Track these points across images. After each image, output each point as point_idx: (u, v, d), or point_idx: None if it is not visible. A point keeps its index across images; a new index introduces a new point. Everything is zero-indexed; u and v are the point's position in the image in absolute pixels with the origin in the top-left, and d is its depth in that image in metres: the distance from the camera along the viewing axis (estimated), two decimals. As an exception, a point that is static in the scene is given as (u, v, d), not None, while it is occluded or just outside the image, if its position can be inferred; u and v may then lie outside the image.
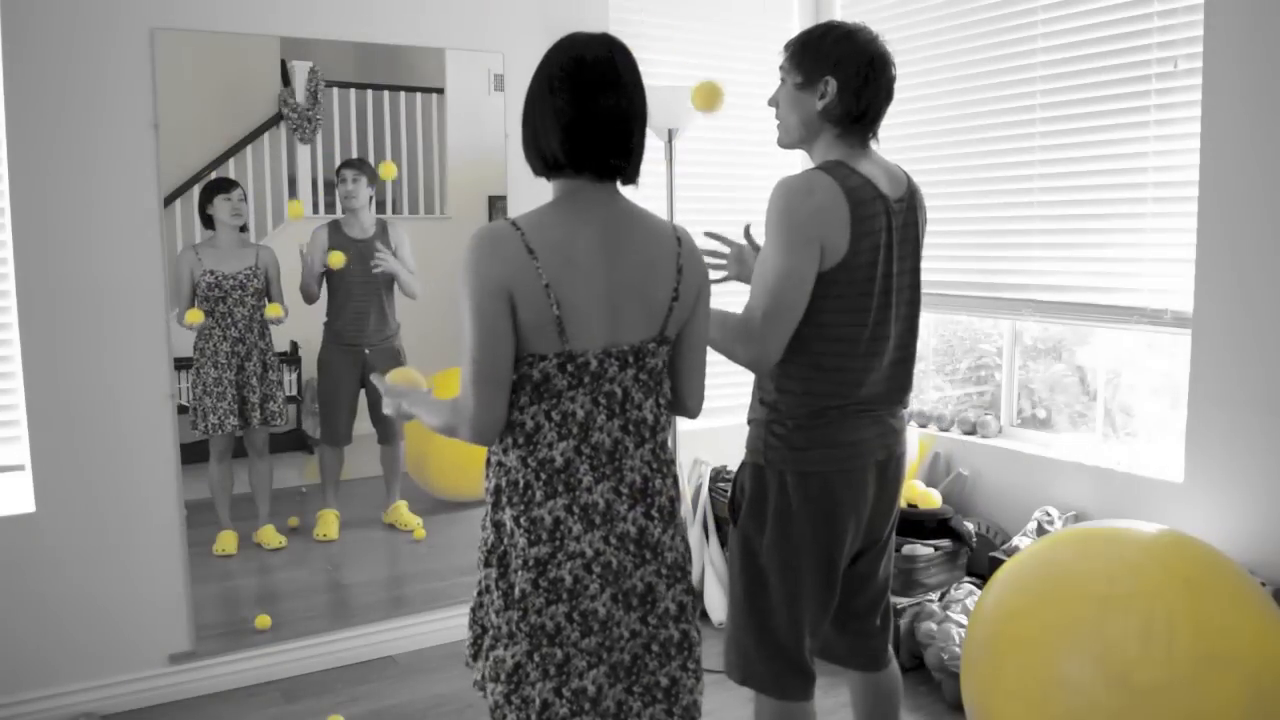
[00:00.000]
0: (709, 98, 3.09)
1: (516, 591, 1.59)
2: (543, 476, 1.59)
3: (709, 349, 1.82)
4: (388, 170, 3.27)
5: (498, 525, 1.63)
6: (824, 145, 1.92)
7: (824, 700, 2.92)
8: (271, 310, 3.15)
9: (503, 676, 1.61)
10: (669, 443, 1.71)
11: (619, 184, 1.65)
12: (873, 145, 1.95)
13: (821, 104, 1.88)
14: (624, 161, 1.61)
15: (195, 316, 3.01)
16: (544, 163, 1.61)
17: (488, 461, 1.67)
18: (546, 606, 1.59)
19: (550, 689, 1.59)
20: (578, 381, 1.58)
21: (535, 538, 1.58)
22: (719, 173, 3.86)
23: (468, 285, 1.54)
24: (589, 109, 1.56)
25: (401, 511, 3.48)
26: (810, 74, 1.89)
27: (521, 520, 1.59)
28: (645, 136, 1.64)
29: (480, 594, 1.68)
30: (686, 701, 1.70)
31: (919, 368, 4.01)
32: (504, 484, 1.62)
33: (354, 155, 3.25)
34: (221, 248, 3.08)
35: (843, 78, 1.86)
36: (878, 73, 1.88)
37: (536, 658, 1.59)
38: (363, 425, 3.40)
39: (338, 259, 3.20)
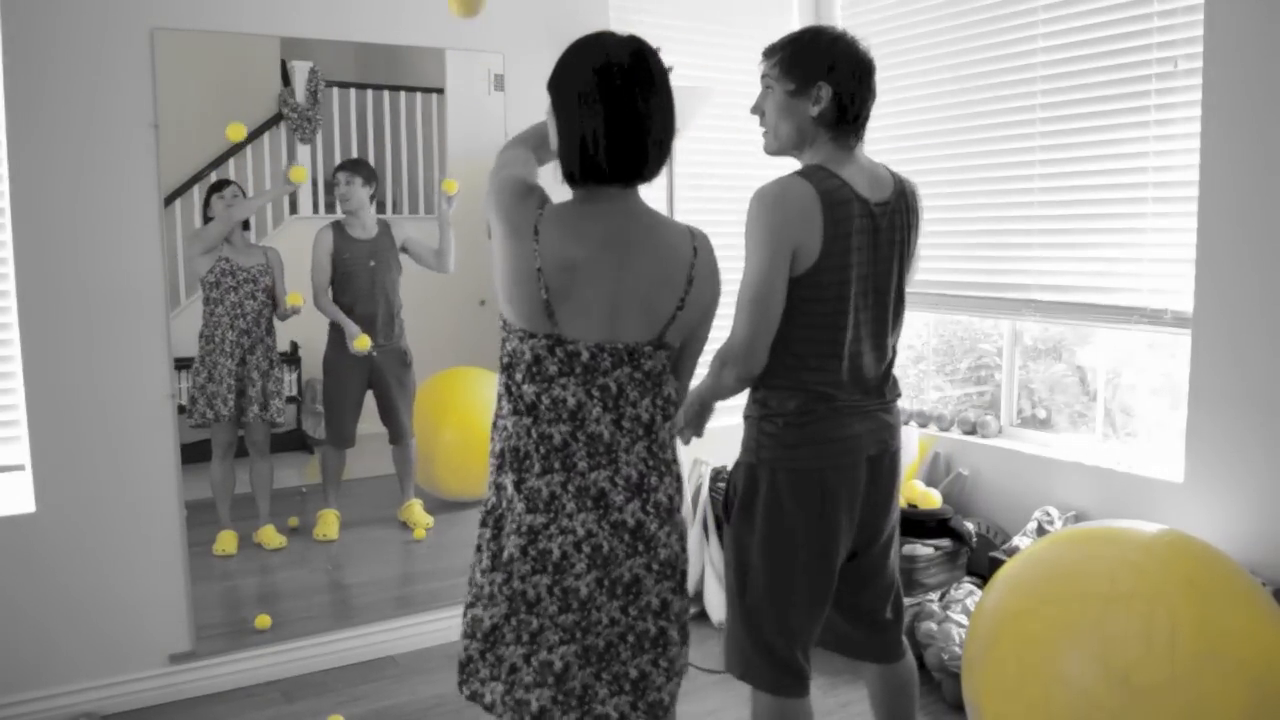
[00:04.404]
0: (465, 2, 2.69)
1: (505, 555, 1.63)
2: (542, 450, 1.62)
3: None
4: (297, 174, 3.19)
5: (499, 488, 1.66)
6: (813, 150, 1.93)
7: (825, 700, 2.92)
8: (293, 298, 3.17)
9: (479, 635, 1.65)
10: (668, 443, 1.71)
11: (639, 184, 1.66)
12: (859, 148, 1.95)
13: (816, 109, 1.89)
14: (655, 169, 1.63)
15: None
16: (572, 171, 1.60)
17: (494, 424, 1.70)
18: (531, 575, 1.61)
19: (520, 655, 1.63)
20: (568, 369, 1.60)
21: (532, 506, 1.61)
22: (719, 173, 3.86)
23: (504, 175, 1.65)
24: (621, 117, 1.55)
25: (415, 510, 3.48)
26: (803, 80, 1.90)
27: (521, 487, 1.62)
28: (673, 140, 1.65)
29: (477, 553, 1.71)
30: (653, 698, 1.70)
31: (919, 368, 4.03)
32: (507, 449, 1.65)
33: (354, 155, 3.25)
34: (233, 244, 3.10)
35: (837, 82, 1.88)
36: (868, 75, 1.91)
37: (514, 621, 1.62)
38: (364, 426, 3.40)
39: (364, 343, 3.27)
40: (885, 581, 2.12)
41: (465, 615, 1.69)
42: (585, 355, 1.60)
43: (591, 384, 1.61)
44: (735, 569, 2.00)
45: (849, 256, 1.87)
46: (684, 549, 1.73)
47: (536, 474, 1.61)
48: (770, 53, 1.95)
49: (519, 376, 1.62)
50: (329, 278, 3.25)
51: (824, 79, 1.88)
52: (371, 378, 3.37)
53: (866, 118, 1.93)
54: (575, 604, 1.62)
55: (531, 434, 1.62)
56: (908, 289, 2.06)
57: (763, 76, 1.97)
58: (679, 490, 1.73)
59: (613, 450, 1.63)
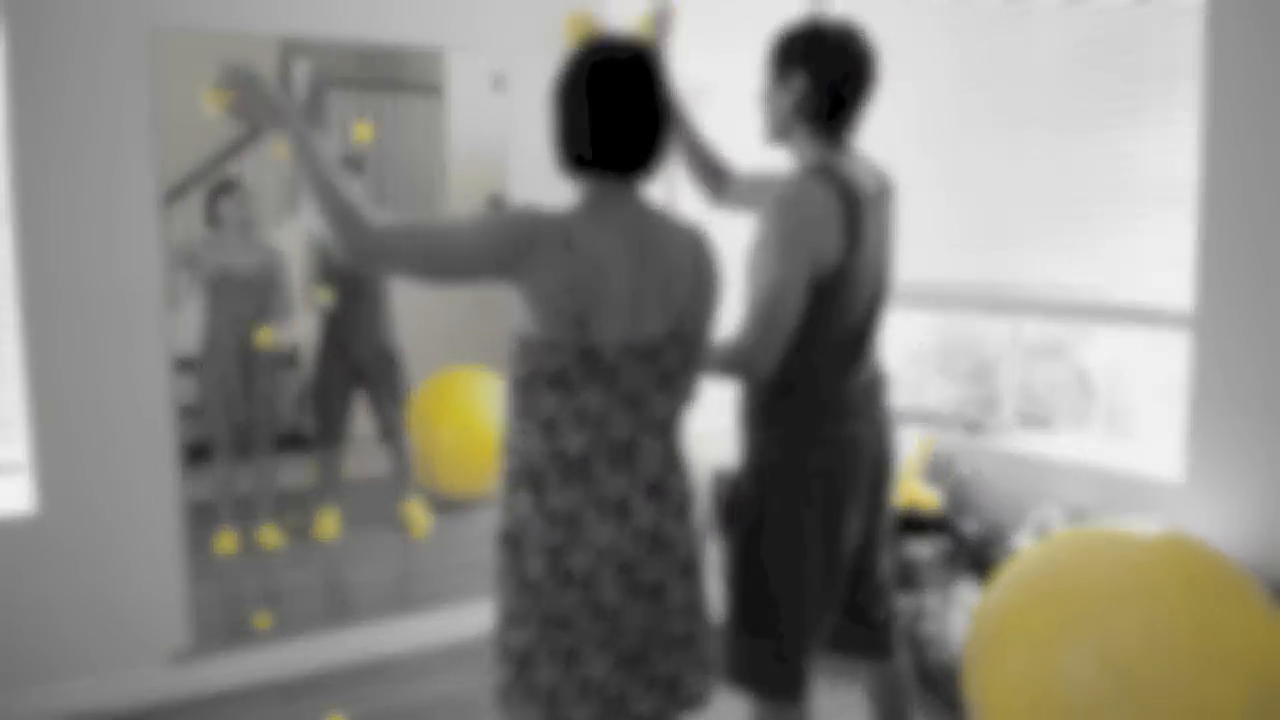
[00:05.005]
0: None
1: (530, 576, 1.63)
2: (559, 465, 1.62)
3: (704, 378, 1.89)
4: (363, 131, 3.20)
5: (515, 509, 1.66)
6: (800, 143, 1.94)
7: (824, 700, 2.92)
8: (263, 337, 3.14)
9: (512, 660, 1.65)
10: (681, 441, 1.73)
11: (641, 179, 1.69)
12: (852, 143, 1.95)
13: (791, 100, 1.90)
14: (653, 163, 1.66)
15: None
16: (574, 162, 1.65)
17: (504, 445, 1.70)
18: (559, 594, 1.62)
19: (558, 675, 1.63)
20: (593, 375, 1.61)
21: (551, 525, 1.62)
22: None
23: (494, 222, 1.56)
24: (622, 112, 1.60)
25: (415, 509, 3.47)
26: (782, 70, 1.91)
27: (540, 506, 1.63)
28: (671, 137, 1.69)
29: (501, 576, 1.71)
30: (686, 693, 1.73)
31: (919, 367, 4.03)
32: (522, 469, 1.65)
33: (354, 155, 3.26)
34: (229, 246, 3.09)
35: (811, 74, 1.87)
36: (847, 70, 1.88)
37: (547, 644, 1.62)
38: (364, 425, 3.40)
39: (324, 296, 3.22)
40: (879, 579, 2.13)
41: (497, 641, 1.69)
42: (609, 357, 1.62)
43: (614, 386, 1.63)
44: (743, 573, 1.98)
45: (864, 256, 1.88)
46: (698, 545, 1.75)
47: (554, 490, 1.62)
48: (768, 43, 1.97)
49: (540, 388, 1.62)
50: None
51: (798, 69, 1.88)
52: (358, 375, 3.37)
53: (857, 113, 1.91)
54: (606, 615, 1.63)
55: (546, 451, 1.63)
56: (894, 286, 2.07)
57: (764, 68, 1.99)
58: (690, 487, 1.75)
59: (632, 452, 1.65)
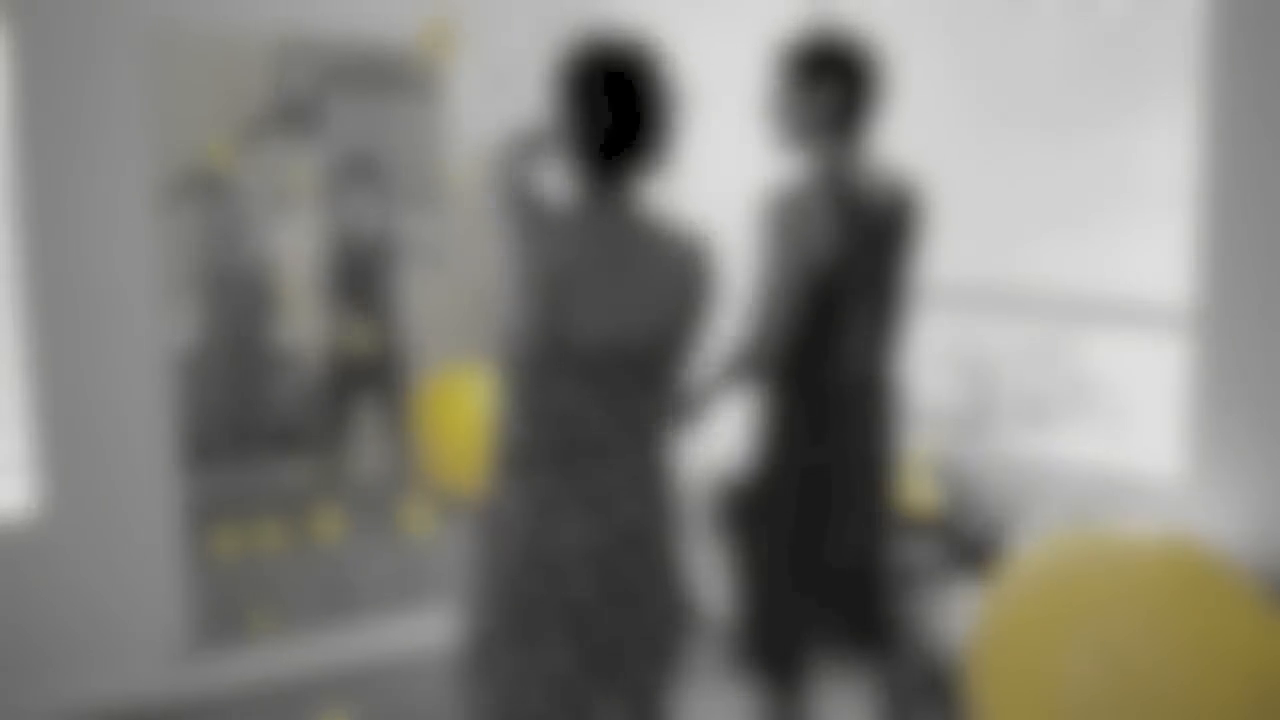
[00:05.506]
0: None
1: (504, 558, 1.63)
2: (543, 453, 1.62)
3: (710, 394, 1.90)
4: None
5: (498, 490, 1.67)
6: (814, 150, 1.93)
7: (825, 701, 2.92)
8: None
9: (478, 639, 1.65)
10: (669, 444, 1.72)
11: (644, 176, 1.68)
12: (867, 148, 1.96)
13: (810, 109, 1.90)
14: (647, 161, 1.65)
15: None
16: (572, 160, 1.64)
17: (496, 426, 1.70)
18: (529, 579, 1.61)
19: (519, 659, 1.62)
20: (572, 371, 1.61)
21: (532, 509, 1.61)
22: (719, 171, 3.86)
23: (514, 209, 1.63)
24: (612, 109, 1.59)
25: (413, 509, 3.48)
26: (799, 79, 1.92)
27: (521, 490, 1.63)
28: (675, 135, 1.67)
29: (476, 557, 1.71)
30: (657, 698, 1.72)
31: (918, 367, 4.03)
32: (508, 452, 1.65)
33: (354, 156, 3.26)
34: (230, 246, 3.10)
35: (830, 83, 1.88)
36: (864, 78, 1.90)
37: (513, 627, 1.62)
38: (365, 424, 3.40)
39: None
40: (881, 580, 2.14)
41: (466, 622, 1.69)
42: (590, 357, 1.61)
43: (593, 385, 1.62)
44: (743, 569, 2.01)
45: (861, 263, 1.89)
46: (682, 548, 1.74)
47: (537, 476, 1.62)
48: (778, 51, 1.97)
49: (524, 379, 1.62)
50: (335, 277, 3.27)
51: (817, 78, 1.89)
52: (361, 374, 3.38)
53: (870, 118, 1.93)
54: (576, 609, 1.62)
55: (533, 437, 1.62)
56: (911, 289, 2.06)
57: (773, 74, 1.98)
58: (676, 490, 1.74)
59: (614, 452, 1.64)
